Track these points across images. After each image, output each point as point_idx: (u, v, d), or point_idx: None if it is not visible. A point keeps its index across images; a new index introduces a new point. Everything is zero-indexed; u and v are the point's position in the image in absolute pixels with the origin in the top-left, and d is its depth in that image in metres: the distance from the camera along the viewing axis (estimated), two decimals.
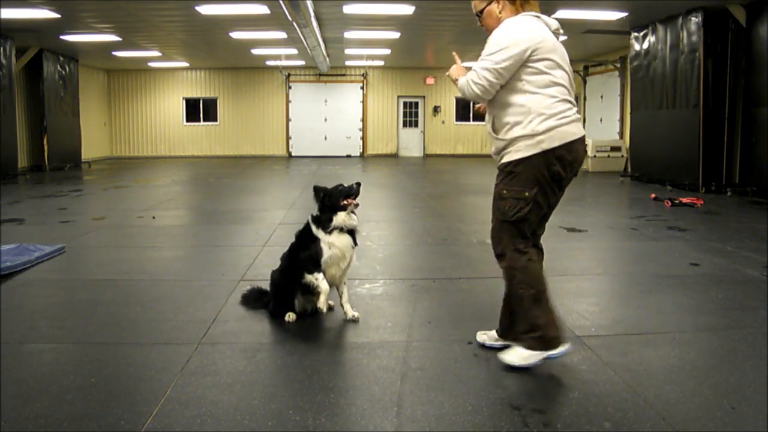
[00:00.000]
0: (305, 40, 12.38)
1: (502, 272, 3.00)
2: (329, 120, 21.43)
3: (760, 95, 9.99)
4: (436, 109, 21.48)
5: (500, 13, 2.97)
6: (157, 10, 11.14)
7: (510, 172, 2.90)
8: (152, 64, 19.46)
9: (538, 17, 2.94)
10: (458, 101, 21.52)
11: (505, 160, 2.92)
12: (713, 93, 10.70)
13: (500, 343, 3.19)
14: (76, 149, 17.44)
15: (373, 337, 3.49)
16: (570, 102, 2.90)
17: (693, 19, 10.72)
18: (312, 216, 3.70)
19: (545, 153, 2.81)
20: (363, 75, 21.16)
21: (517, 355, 2.94)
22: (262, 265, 5.12)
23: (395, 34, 13.86)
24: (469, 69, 2.96)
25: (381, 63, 20.06)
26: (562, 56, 2.90)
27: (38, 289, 4.54)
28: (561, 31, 3.04)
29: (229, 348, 3.33)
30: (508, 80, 2.85)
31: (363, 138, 21.53)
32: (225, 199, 9.96)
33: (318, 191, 3.67)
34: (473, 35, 13.98)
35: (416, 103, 21.67)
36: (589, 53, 16.54)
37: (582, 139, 2.92)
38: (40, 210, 8.72)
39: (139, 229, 7.19)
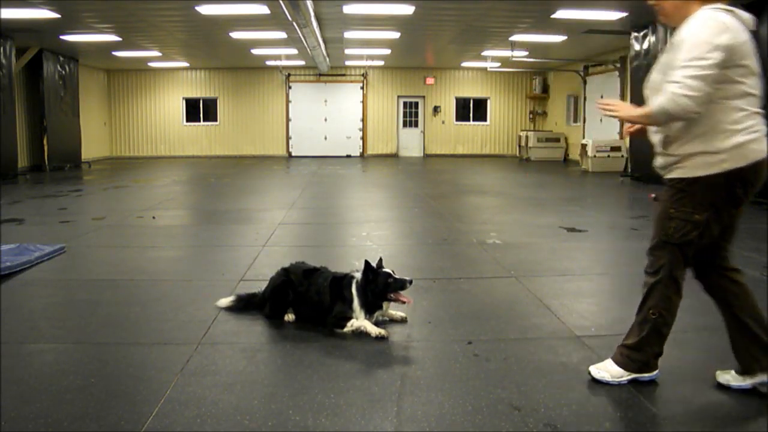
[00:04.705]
0: (305, 40, 12.38)
1: (644, 284, 2.74)
2: (329, 120, 21.42)
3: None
4: (436, 109, 21.47)
5: None
6: (157, 10, 11.13)
7: (682, 189, 2.57)
8: (152, 64, 19.45)
9: (731, 11, 2.53)
10: (458, 101, 21.54)
11: (676, 175, 2.60)
12: None
13: (750, 383, 2.72)
14: (76, 149, 17.43)
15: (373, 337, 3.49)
16: (760, 114, 2.55)
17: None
18: (356, 282, 3.56)
19: (728, 174, 2.49)
20: (363, 75, 21.15)
21: (609, 373, 2.81)
22: (262, 265, 5.13)
23: (395, 34, 13.85)
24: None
25: (381, 63, 20.05)
26: (755, 59, 2.52)
27: (38, 289, 4.54)
28: (753, 25, 2.58)
29: (229, 348, 3.33)
30: None
31: (363, 138, 21.52)
32: (225, 199, 9.96)
33: (368, 270, 3.51)
34: (473, 35, 14.01)
35: (416, 103, 21.66)
36: (590, 53, 16.53)
37: None
38: (40, 210, 8.72)
39: (139, 229, 7.19)
